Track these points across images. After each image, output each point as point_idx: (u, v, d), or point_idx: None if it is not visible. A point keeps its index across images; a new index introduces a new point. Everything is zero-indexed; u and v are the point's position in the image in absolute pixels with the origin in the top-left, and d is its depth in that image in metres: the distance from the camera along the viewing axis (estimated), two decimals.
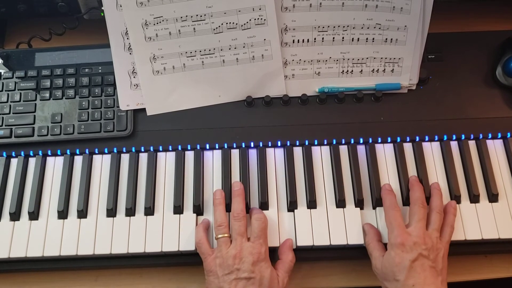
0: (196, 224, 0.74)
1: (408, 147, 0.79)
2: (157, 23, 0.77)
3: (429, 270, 0.66)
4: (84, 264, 0.74)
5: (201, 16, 0.76)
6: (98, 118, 0.80)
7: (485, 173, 0.77)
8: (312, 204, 0.75)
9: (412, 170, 0.78)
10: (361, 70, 0.82)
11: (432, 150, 0.79)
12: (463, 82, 0.83)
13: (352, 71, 0.82)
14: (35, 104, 0.81)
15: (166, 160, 0.79)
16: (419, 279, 0.65)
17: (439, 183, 0.76)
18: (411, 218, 0.71)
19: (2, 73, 0.83)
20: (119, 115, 0.80)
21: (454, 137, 0.80)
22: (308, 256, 0.75)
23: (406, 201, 0.75)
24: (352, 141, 0.79)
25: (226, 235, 0.71)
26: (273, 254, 0.74)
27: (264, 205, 0.75)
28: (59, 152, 0.79)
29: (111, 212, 0.75)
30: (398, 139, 0.79)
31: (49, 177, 0.78)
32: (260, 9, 0.76)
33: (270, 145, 0.80)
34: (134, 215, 0.75)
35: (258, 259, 0.68)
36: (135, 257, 0.74)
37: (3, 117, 0.80)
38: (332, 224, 0.74)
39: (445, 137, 0.79)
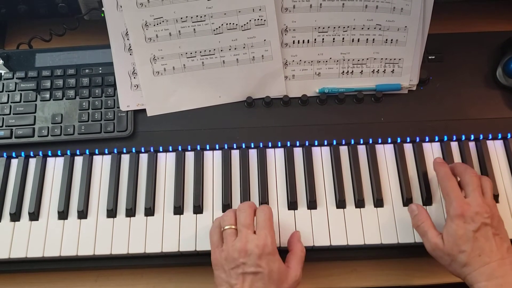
0: (196, 225, 0.74)
1: (408, 148, 0.79)
2: (157, 24, 0.77)
3: (493, 238, 0.65)
4: (84, 264, 0.74)
5: (201, 17, 0.76)
6: (99, 118, 0.80)
7: (486, 174, 0.77)
8: (312, 204, 0.75)
9: (412, 171, 0.78)
10: (362, 71, 0.82)
11: (432, 150, 0.79)
12: (464, 82, 0.83)
13: (352, 71, 0.82)
14: (36, 104, 0.81)
15: (166, 161, 0.79)
16: (485, 249, 0.64)
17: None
18: (465, 188, 0.69)
19: (3, 74, 0.83)
20: (120, 116, 0.80)
21: (454, 138, 0.79)
22: (308, 256, 0.74)
23: (406, 202, 0.75)
24: (353, 142, 0.79)
25: (232, 226, 0.68)
26: None
27: None
28: (59, 153, 0.79)
29: (111, 213, 0.75)
30: (399, 140, 0.79)
31: (50, 177, 0.78)
32: (260, 9, 0.76)
33: (270, 145, 0.80)
34: (134, 215, 0.75)
35: (264, 251, 0.65)
36: (135, 257, 0.74)
37: (3, 118, 0.80)
38: (333, 224, 0.74)
39: (446, 138, 0.79)
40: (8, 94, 0.82)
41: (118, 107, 0.81)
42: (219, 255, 0.67)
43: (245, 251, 0.65)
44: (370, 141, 0.79)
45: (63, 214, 0.75)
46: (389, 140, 0.80)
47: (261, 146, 0.79)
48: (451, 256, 0.66)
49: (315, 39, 0.79)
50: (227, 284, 0.66)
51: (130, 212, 0.75)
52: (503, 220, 0.68)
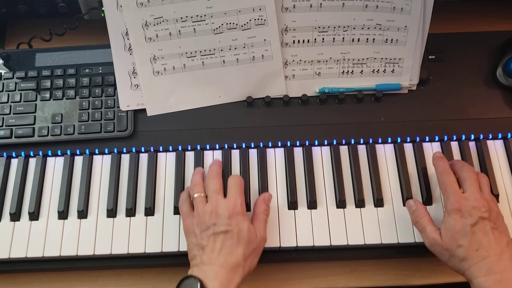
0: None
1: (408, 148, 0.79)
2: (157, 24, 0.77)
3: (492, 232, 0.65)
4: (84, 264, 0.74)
5: (201, 16, 0.76)
6: (99, 118, 0.80)
7: (486, 174, 0.77)
8: (312, 204, 0.75)
9: (412, 170, 0.78)
10: (362, 71, 0.82)
11: (432, 150, 0.79)
12: (464, 82, 0.83)
13: (352, 71, 0.82)
14: (36, 104, 0.81)
15: (167, 161, 0.79)
16: (483, 243, 0.64)
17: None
18: (462, 183, 0.70)
19: (3, 74, 0.83)
20: (120, 116, 0.80)
21: (454, 138, 0.79)
22: (308, 256, 0.75)
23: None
24: (353, 142, 0.79)
25: (202, 194, 0.71)
26: (272, 255, 0.74)
27: None
28: (59, 153, 0.79)
29: (111, 213, 0.75)
30: (399, 140, 0.79)
31: (50, 177, 0.78)
32: (260, 9, 0.76)
33: (270, 145, 0.79)
34: (134, 215, 0.75)
35: (234, 212, 0.68)
36: (135, 257, 0.74)
37: (3, 118, 0.80)
38: (333, 224, 0.74)
39: (446, 138, 0.79)
40: (8, 94, 0.82)
41: (118, 107, 0.81)
42: (191, 222, 0.69)
43: (216, 213, 0.68)
44: (370, 141, 0.79)
45: (63, 214, 0.75)
46: (389, 140, 0.80)
47: (261, 146, 0.79)
48: (449, 251, 0.66)
49: (315, 39, 0.79)
50: (198, 246, 0.67)
51: (130, 212, 0.75)
52: (504, 218, 0.68)
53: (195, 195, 0.71)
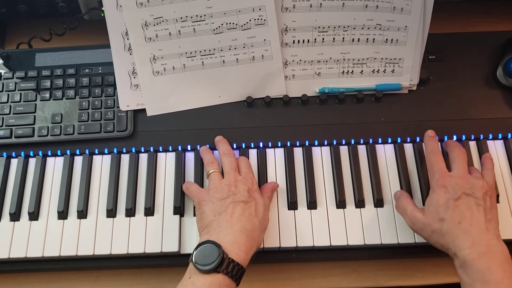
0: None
1: (408, 148, 0.79)
2: (157, 24, 0.77)
3: (476, 208, 0.65)
4: (84, 264, 0.74)
5: (201, 16, 0.76)
6: (98, 118, 0.80)
7: None
8: (312, 204, 0.75)
9: (412, 171, 0.78)
10: (362, 71, 0.82)
11: None
12: (464, 82, 0.83)
13: (352, 71, 0.82)
14: (35, 104, 0.81)
15: (166, 161, 0.79)
16: (465, 216, 0.64)
17: None
18: (452, 163, 0.71)
19: (3, 74, 0.83)
20: (119, 116, 0.80)
21: (455, 138, 0.79)
22: (308, 256, 0.75)
23: None
24: (353, 142, 0.79)
25: (217, 170, 0.73)
26: (272, 255, 0.74)
27: None
28: (59, 153, 0.79)
29: (111, 213, 0.75)
30: (399, 140, 0.79)
31: (49, 177, 0.78)
32: (260, 9, 0.76)
33: (270, 145, 0.79)
34: (134, 215, 0.75)
35: (252, 188, 0.70)
36: (135, 257, 0.74)
37: (3, 118, 0.80)
38: (333, 224, 0.74)
39: (446, 138, 0.79)
40: (8, 94, 0.82)
41: (118, 107, 0.81)
42: (205, 192, 0.70)
43: (235, 186, 0.69)
44: (370, 141, 0.79)
45: (63, 214, 0.75)
46: (389, 140, 0.79)
47: (261, 146, 0.79)
48: (431, 225, 0.66)
49: (315, 39, 0.79)
50: (215, 212, 0.68)
51: (130, 212, 0.75)
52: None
53: (211, 171, 0.72)
